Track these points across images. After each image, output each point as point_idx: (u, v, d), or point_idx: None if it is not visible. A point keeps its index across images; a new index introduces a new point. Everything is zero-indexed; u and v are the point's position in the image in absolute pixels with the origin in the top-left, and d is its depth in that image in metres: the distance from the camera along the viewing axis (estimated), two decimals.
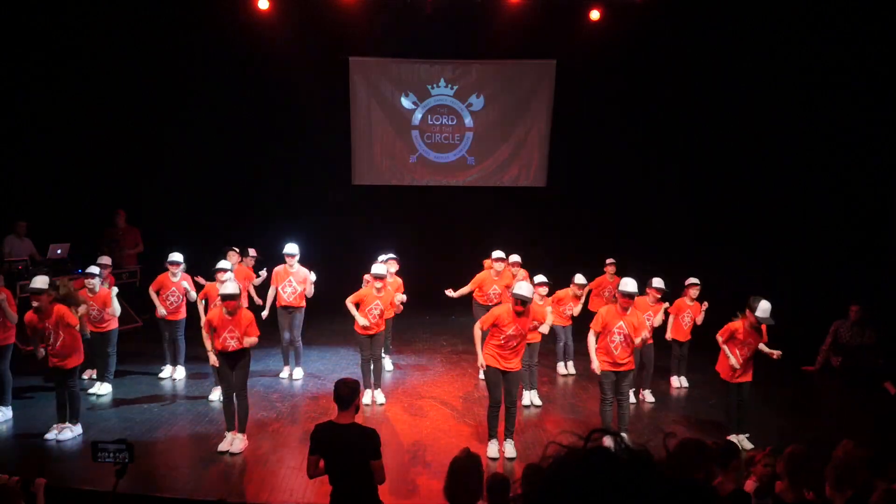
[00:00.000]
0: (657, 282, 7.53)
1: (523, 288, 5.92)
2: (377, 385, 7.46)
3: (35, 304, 6.15)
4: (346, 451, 4.01)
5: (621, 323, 6.19)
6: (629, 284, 6.25)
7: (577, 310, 8.35)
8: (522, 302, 5.83)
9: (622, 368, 6.30)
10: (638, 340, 6.33)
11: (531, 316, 6.06)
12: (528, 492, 0.94)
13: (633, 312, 6.31)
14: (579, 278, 8.21)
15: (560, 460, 0.92)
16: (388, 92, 12.76)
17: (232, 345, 6.01)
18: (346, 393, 4.10)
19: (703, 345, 7.95)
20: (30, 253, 10.01)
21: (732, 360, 6.32)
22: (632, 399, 7.39)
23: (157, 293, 7.95)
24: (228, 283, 6.10)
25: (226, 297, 5.99)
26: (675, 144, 12.00)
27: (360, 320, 7.17)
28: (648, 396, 7.79)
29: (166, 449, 6.22)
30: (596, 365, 6.25)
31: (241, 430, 6.15)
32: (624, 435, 0.99)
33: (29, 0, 10.16)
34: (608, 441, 0.93)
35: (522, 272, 8.34)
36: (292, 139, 12.24)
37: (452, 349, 9.81)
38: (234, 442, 6.08)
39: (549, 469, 0.92)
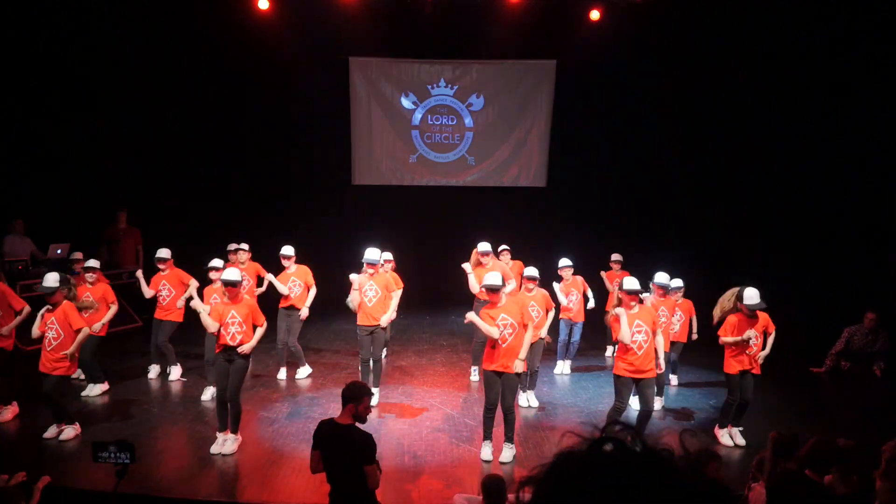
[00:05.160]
0: (662, 276, 7.40)
1: (491, 277, 5.84)
2: (376, 384, 7.46)
3: (52, 303, 6.17)
4: (342, 451, 4.04)
5: (638, 321, 5.93)
6: (633, 283, 6.06)
7: (573, 299, 8.35)
8: (493, 290, 5.76)
9: (645, 375, 5.95)
10: (661, 363, 6.12)
11: (516, 305, 5.89)
12: (528, 480, 0.90)
13: (643, 309, 6.11)
14: (564, 261, 8.39)
15: (569, 452, 0.88)
16: (388, 92, 12.77)
17: (233, 332, 5.94)
18: (346, 393, 4.12)
19: (703, 345, 7.97)
20: (31, 252, 10.02)
21: (730, 339, 6.11)
22: (657, 406, 7.25)
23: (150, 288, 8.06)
24: (229, 270, 6.10)
25: (227, 283, 5.96)
26: (676, 144, 12.00)
27: (354, 297, 7.17)
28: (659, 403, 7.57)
29: (166, 449, 6.22)
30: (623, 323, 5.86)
31: (234, 431, 6.12)
32: (639, 431, 0.94)
33: None
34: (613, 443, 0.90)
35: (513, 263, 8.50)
36: (292, 139, 12.26)
37: (452, 349, 9.81)
38: (226, 443, 6.05)
39: (554, 461, 0.89)
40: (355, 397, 4.10)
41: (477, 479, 5.39)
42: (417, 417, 7.09)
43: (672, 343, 7.85)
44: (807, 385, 8.56)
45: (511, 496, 3.40)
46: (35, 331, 6.24)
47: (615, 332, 6.00)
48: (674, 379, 8.28)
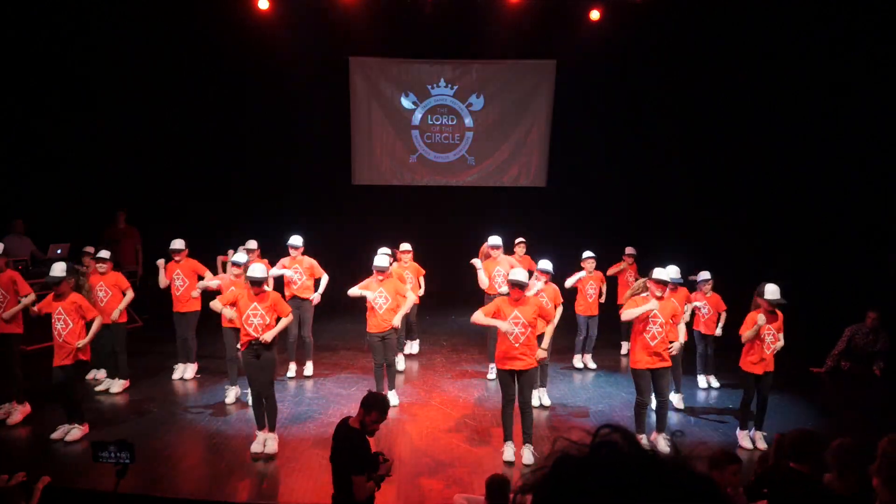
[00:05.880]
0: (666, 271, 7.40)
1: (517, 273, 5.83)
2: (391, 387, 7.40)
3: (58, 293, 6.19)
4: (343, 452, 4.06)
5: (656, 312, 5.91)
6: (662, 273, 5.98)
7: (591, 292, 8.41)
8: (519, 286, 5.70)
9: (660, 365, 5.98)
10: (675, 346, 6.07)
11: (532, 305, 5.85)
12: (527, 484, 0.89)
13: (665, 302, 6.04)
14: (586, 254, 8.57)
15: (564, 456, 0.88)
16: (388, 92, 12.77)
17: (256, 324, 5.92)
18: (363, 400, 4.15)
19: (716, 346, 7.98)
20: (30, 251, 10.02)
21: (761, 321, 5.96)
22: (678, 405, 7.24)
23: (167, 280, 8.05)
24: (255, 266, 6.06)
25: (253, 282, 5.95)
26: (676, 144, 11.99)
27: (365, 293, 7.06)
28: (678, 403, 7.41)
29: (168, 449, 6.22)
30: (653, 304, 5.87)
31: (272, 429, 6.10)
32: (633, 433, 0.94)
33: None
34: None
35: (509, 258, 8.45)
36: (292, 139, 12.25)
37: (452, 348, 9.82)
38: (268, 442, 6.03)
39: (552, 465, 0.88)
40: (365, 406, 4.11)
41: (477, 479, 5.40)
42: (418, 417, 7.08)
43: (703, 336, 7.90)
44: (807, 385, 8.56)
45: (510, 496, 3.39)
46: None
47: (625, 312, 5.97)
48: (713, 380, 8.16)
